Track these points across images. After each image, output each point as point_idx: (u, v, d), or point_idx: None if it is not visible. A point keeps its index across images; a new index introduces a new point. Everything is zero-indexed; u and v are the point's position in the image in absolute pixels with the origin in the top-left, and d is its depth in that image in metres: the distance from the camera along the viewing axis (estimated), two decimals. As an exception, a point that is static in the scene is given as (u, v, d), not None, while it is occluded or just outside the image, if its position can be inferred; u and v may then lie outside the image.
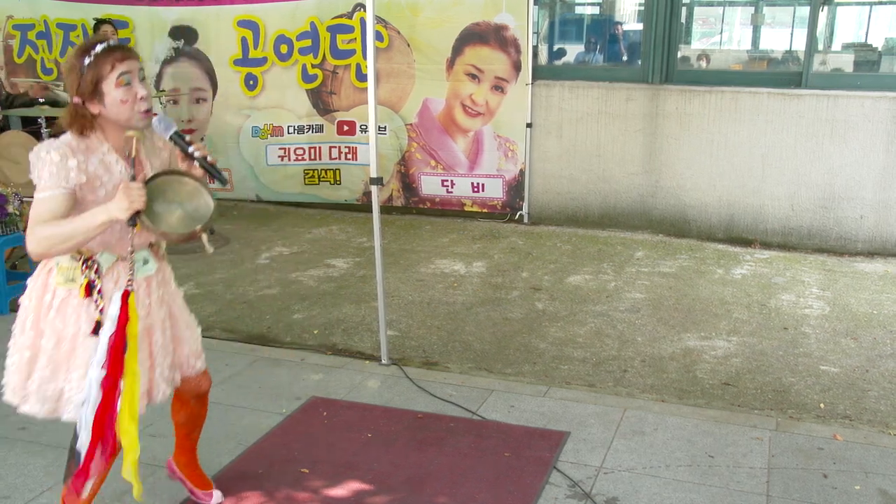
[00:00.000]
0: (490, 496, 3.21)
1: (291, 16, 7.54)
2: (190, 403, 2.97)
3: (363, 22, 7.25)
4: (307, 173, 7.84)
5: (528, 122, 7.25)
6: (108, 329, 2.43)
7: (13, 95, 7.22)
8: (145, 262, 2.65)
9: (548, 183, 7.39)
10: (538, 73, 7.24)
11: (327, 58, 7.55)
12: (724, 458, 3.51)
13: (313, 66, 7.59)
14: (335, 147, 7.74)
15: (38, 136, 6.12)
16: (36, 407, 2.59)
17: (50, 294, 2.54)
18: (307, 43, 7.54)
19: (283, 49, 7.60)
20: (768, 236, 6.83)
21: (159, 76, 8.08)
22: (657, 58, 6.95)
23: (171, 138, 2.49)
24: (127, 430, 2.44)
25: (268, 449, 3.57)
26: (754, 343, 4.83)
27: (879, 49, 7.37)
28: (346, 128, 7.67)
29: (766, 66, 7.75)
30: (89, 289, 2.51)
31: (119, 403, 2.45)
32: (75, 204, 2.43)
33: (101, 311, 2.50)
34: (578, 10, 9.45)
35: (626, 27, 8.54)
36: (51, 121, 6.72)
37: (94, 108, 2.44)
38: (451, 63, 7.25)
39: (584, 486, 3.31)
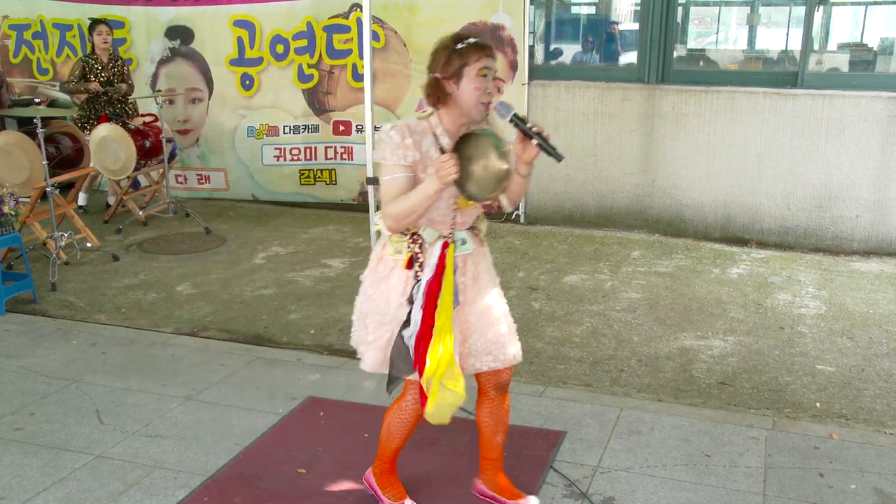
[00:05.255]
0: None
1: (288, 16, 7.54)
2: (490, 394, 3.06)
3: (360, 22, 7.24)
4: (303, 173, 7.84)
5: (525, 121, 7.23)
6: (427, 275, 2.73)
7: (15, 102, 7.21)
8: (463, 242, 2.85)
9: (544, 183, 7.39)
10: (534, 73, 7.24)
11: (323, 58, 7.55)
12: (720, 458, 3.51)
13: (309, 66, 7.59)
14: (331, 147, 7.74)
15: (34, 137, 6.10)
16: (369, 364, 2.88)
17: (383, 265, 2.83)
18: (303, 43, 7.54)
19: (280, 49, 7.60)
20: (764, 236, 6.84)
21: (155, 76, 8.07)
22: (653, 58, 6.96)
23: (511, 121, 2.69)
24: (434, 354, 2.70)
25: (265, 449, 3.57)
26: (750, 342, 4.83)
27: (875, 49, 7.39)
28: (341, 128, 7.67)
29: (761, 66, 7.76)
30: (411, 261, 2.77)
31: (434, 332, 2.71)
32: (415, 182, 2.69)
33: (418, 280, 2.75)
34: (575, 9, 9.45)
35: (622, 27, 8.54)
36: (46, 121, 6.69)
37: (449, 87, 2.68)
38: (447, 63, 7.23)
39: (581, 485, 3.31)
